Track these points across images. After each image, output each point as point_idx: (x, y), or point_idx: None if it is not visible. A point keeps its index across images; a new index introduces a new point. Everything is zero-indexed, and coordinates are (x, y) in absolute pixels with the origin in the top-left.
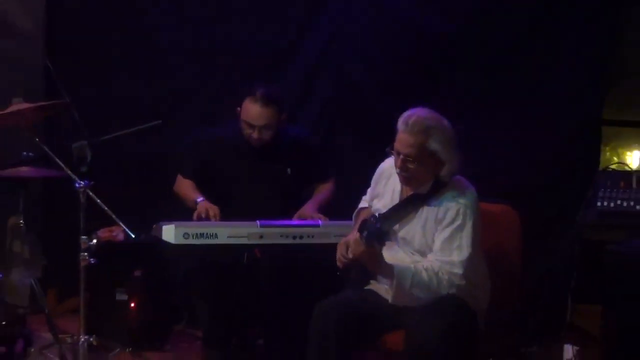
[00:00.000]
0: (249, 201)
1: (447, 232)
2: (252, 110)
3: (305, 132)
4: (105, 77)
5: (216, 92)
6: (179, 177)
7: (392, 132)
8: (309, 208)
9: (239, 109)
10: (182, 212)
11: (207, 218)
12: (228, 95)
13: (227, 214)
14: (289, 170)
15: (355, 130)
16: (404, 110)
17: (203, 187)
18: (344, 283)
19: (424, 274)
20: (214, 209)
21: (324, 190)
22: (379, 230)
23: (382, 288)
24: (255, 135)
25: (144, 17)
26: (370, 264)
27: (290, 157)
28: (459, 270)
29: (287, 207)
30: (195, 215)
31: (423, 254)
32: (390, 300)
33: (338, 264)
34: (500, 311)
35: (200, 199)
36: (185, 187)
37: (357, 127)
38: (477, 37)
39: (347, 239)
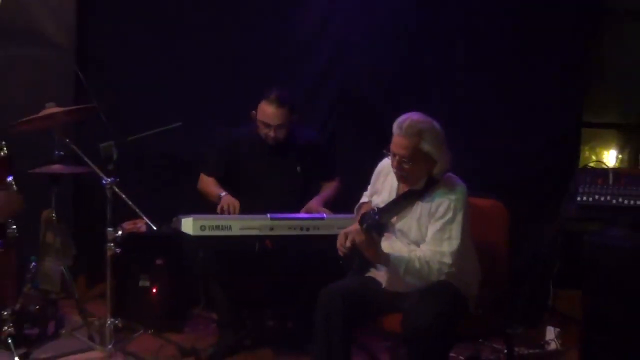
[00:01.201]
0: (265, 195)
1: (438, 225)
2: (268, 111)
3: (314, 134)
4: (130, 83)
5: (233, 97)
6: (202, 176)
7: (390, 134)
8: (315, 203)
9: (254, 112)
10: (200, 207)
11: (229, 212)
12: (243, 99)
13: (245, 207)
14: (298, 168)
15: (357, 132)
16: (402, 113)
17: (224, 184)
18: (346, 270)
19: (416, 263)
20: (234, 204)
21: (329, 188)
22: (378, 222)
23: (381, 275)
24: (272, 134)
25: (169, 26)
26: (369, 252)
27: (301, 156)
28: (448, 260)
29: (297, 202)
30: (218, 209)
31: (418, 244)
32: (383, 285)
33: (339, 252)
34: (488, 296)
35: (223, 193)
36: (208, 183)
37: (359, 129)
38: (467, 39)
39: (347, 230)
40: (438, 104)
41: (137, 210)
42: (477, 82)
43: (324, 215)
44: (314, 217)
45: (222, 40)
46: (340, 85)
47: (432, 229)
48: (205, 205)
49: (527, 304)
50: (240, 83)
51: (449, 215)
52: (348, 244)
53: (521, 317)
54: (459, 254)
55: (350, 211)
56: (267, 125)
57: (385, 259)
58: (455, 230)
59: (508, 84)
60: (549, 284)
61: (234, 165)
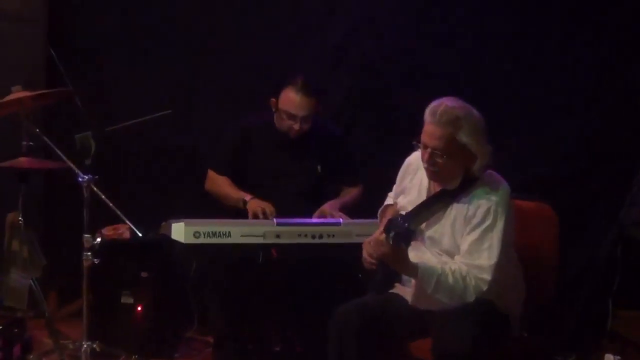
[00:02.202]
0: (276, 198)
1: (476, 233)
2: (294, 100)
3: (337, 129)
4: (112, 65)
5: (233, 83)
6: (212, 174)
7: (419, 123)
8: (329, 206)
9: (273, 99)
10: (195, 209)
11: (265, 217)
12: (246, 86)
13: None
14: (319, 167)
15: (378, 122)
16: (430, 99)
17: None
18: (367, 286)
19: (450, 277)
20: (267, 207)
21: (350, 194)
22: (406, 230)
23: (408, 291)
24: (296, 126)
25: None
26: (396, 265)
27: (322, 154)
28: (487, 276)
29: (313, 207)
30: (250, 216)
31: (452, 254)
32: (410, 301)
33: (365, 264)
34: (535, 316)
35: (248, 197)
36: (223, 184)
37: (381, 118)
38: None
39: (373, 238)
40: (468, 92)
41: (119, 213)
42: (515, 62)
43: (340, 220)
44: (328, 222)
45: (221, 18)
46: (357, 68)
47: (469, 238)
48: (199, 208)
49: (580, 326)
50: (242, 66)
51: (489, 221)
52: (376, 255)
53: (573, 342)
54: (500, 268)
55: (372, 215)
56: (292, 116)
57: (413, 270)
58: (496, 239)
59: (544, 66)
60: (607, 302)
61: (243, 159)
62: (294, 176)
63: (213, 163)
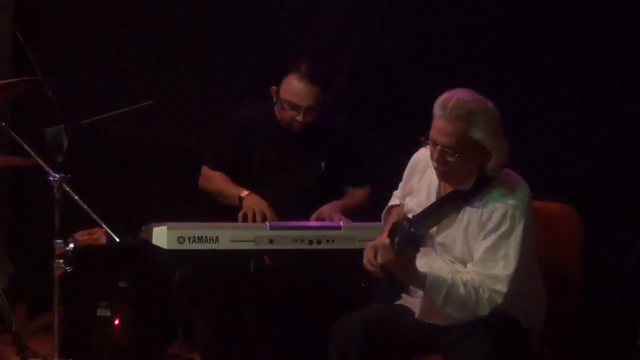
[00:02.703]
0: (274, 197)
1: (491, 239)
2: (297, 88)
3: (344, 122)
4: (87, 51)
5: (224, 71)
6: (206, 170)
7: (428, 116)
8: (329, 207)
9: (274, 87)
10: (178, 211)
11: (262, 220)
12: (238, 74)
13: None
14: (323, 164)
15: (382, 113)
16: (440, 90)
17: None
18: (371, 297)
19: (461, 289)
20: (263, 208)
21: (355, 195)
22: (413, 235)
23: (416, 303)
24: (300, 118)
25: None
26: (401, 274)
27: (327, 149)
28: (502, 288)
29: (315, 208)
30: (240, 216)
31: (465, 262)
32: (416, 314)
33: (368, 271)
34: (557, 330)
35: (244, 192)
36: (217, 180)
37: (384, 109)
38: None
39: (376, 243)
40: (482, 80)
41: (95, 216)
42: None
43: (341, 223)
44: (327, 226)
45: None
46: (358, 54)
47: (483, 244)
48: (184, 211)
49: (608, 341)
50: (233, 52)
51: (506, 226)
52: (380, 260)
53: (602, 358)
54: (518, 278)
55: (375, 218)
56: (294, 107)
57: (420, 280)
58: (514, 246)
59: (572, 51)
60: (637, 316)
61: (240, 154)
62: (294, 173)
63: (207, 158)
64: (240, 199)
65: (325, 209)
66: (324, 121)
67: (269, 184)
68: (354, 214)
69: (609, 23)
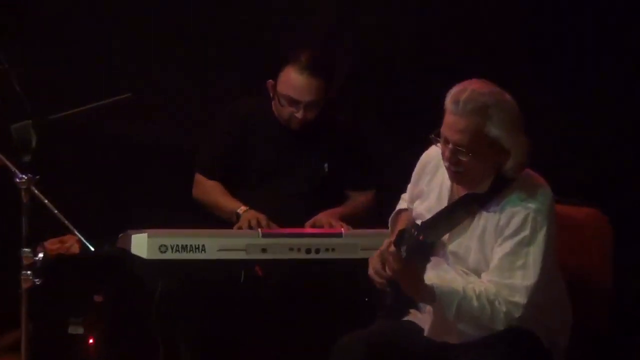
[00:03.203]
0: (271, 202)
1: (508, 245)
2: (297, 82)
3: (349, 120)
4: (59, 37)
5: (214, 62)
6: (200, 178)
7: (439, 112)
8: (325, 215)
9: (271, 81)
10: (159, 217)
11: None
12: (230, 66)
13: None
14: (326, 166)
15: (386, 108)
16: (450, 83)
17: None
18: (375, 312)
19: (474, 301)
20: (261, 221)
21: (355, 202)
22: (423, 243)
23: (424, 318)
24: (299, 115)
25: None
26: (408, 287)
27: (331, 150)
28: (521, 299)
29: (316, 214)
30: (244, 226)
31: (480, 274)
32: (426, 332)
33: (373, 281)
34: (583, 348)
35: (241, 209)
36: (214, 192)
37: (389, 104)
38: None
39: (384, 250)
40: (498, 72)
41: (66, 222)
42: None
43: (342, 230)
44: (327, 233)
45: None
46: (354, 46)
47: (500, 250)
48: (172, 216)
49: None
50: (224, 43)
51: (525, 232)
52: (389, 272)
53: None
54: (539, 290)
55: (381, 224)
56: (293, 102)
57: (429, 294)
58: (534, 255)
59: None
60: None
61: (236, 155)
62: (294, 176)
63: (201, 165)
64: (238, 215)
65: (322, 216)
66: (325, 118)
67: (268, 188)
68: (354, 222)
69: (609, 23)
